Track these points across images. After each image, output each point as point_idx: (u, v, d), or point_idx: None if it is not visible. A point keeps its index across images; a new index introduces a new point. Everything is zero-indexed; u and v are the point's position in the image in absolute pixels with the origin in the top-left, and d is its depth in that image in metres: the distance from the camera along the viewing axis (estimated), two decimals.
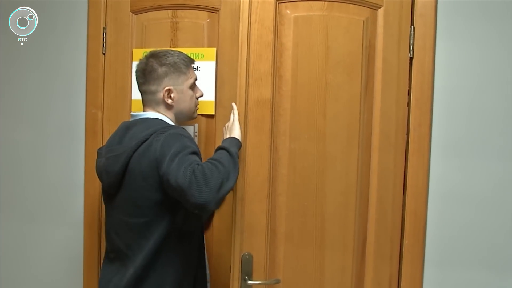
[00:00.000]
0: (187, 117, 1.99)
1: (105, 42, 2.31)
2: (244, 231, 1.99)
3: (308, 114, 2.01)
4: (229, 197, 2.00)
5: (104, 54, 2.31)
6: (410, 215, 1.97)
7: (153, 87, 1.89)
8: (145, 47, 2.24)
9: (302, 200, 2.02)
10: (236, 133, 1.90)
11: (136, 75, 1.94)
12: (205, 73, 2.16)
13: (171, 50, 1.94)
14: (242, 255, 1.99)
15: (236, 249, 1.98)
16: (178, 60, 1.90)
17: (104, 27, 2.31)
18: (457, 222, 1.95)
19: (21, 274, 2.50)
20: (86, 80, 2.34)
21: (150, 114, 1.91)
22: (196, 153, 1.72)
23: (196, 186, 1.57)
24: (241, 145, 1.88)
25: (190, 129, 2.19)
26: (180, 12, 2.22)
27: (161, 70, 1.88)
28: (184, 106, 1.94)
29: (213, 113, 2.17)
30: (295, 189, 2.02)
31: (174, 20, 2.22)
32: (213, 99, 2.16)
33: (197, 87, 2.00)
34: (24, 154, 2.45)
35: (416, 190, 1.97)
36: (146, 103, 1.94)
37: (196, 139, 2.20)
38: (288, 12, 2.02)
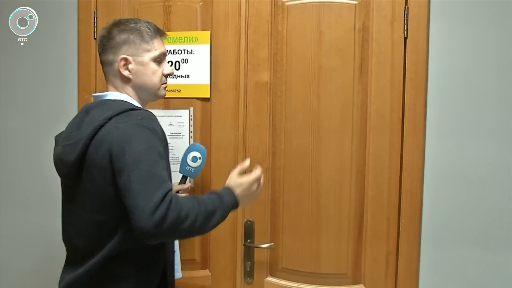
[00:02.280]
0: (150, 94, 1.80)
1: (96, 27, 2.32)
2: None
3: (303, 96, 2.13)
4: (230, 169, 2.01)
5: (95, 38, 2.31)
6: (406, 195, 2.04)
7: (110, 57, 1.73)
8: None
9: (298, 175, 2.16)
10: (242, 192, 1.68)
11: (97, 45, 1.80)
12: (199, 57, 2.20)
13: (139, 18, 1.81)
14: (245, 221, 2.21)
15: (239, 215, 2.20)
16: (142, 28, 1.74)
17: (95, 12, 2.33)
18: (452, 201, 2.01)
19: (15, 261, 2.53)
20: (77, 65, 2.36)
21: (112, 95, 1.74)
22: (160, 155, 1.56)
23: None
24: (236, 206, 1.67)
25: (185, 113, 2.23)
26: None
27: (119, 37, 1.72)
28: (144, 81, 1.75)
29: (208, 97, 2.21)
30: (292, 165, 2.17)
31: (166, 3, 2.25)
32: (208, 82, 2.20)
33: (166, 64, 1.83)
34: (17, 141, 2.48)
35: (412, 169, 2.03)
36: (106, 78, 1.78)
37: (191, 123, 2.24)
38: (283, 1, 2.14)
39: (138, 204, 1.45)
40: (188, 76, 2.23)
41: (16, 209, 2.50)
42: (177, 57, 2.24)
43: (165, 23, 2.24)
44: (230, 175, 1.71)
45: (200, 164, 2.06)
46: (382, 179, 2.06)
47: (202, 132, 2.24)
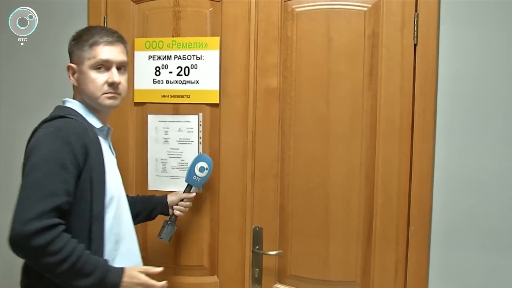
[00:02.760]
0: (94, 103, 1.77)
1: None
2: (255, 205, 2.23)
3: (312, 101, 2.15)
4: (239, 174, 2.22)
5: None
6: (415, 201, 2.04)
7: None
8: (147, 37, 2.30)
9: (307, 181, 2.17)
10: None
11: None
12: (209, 62, 2.23)
13: (95, 26, 1.87)
14: (253, 227, 2.23)
15: (247, 221, 2.24)
16: (88, 36, 1.75)
17: (104, 17, 2.36)
18: (462, 206, 2.01)
19: (15, 261, 2.48)
20: None
21: (67, 101, 1.81)
22: (63, 166, 1.56)
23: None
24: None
25: (194, 118, 2.25)
26: (182, 1, 2.27)
27: (70, 46, 1.81)
28: (84, 89, 1.75)
29: (218, 102, 2.23)
30: (301, 170, 2.19)
31: (176, 9, 2.27)
32: (217, 88, 2.22)
33: (113, 72, 1.76)
34: (24, 143, 2.47)
35: (421, 176, 2.04)
36: None
37: (200, 128, 2.26)
38: (293, 7, 2.16)
39: (17, 210, 1.50)
40: (197, 81, 2.25)
41: None
42: (187, 63, 2.26)
43: (174, 29, 2.27)
44: (136, 266, 1.72)
45: (207, 175, 2.13)
46: (391, 185, 2.07)
47: (211, 137, 2.26)
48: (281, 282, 2.23)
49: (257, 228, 2.21)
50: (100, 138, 1.75)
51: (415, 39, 2.01)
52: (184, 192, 2.15)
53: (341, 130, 2.11)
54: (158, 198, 2.16)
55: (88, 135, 1.67)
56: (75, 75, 1.77)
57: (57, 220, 1.50)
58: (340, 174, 2.12)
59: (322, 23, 2.11)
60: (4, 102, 2.53)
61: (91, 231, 1.64)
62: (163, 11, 2.29)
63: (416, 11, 2.01)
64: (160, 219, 2.15)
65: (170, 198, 2.15)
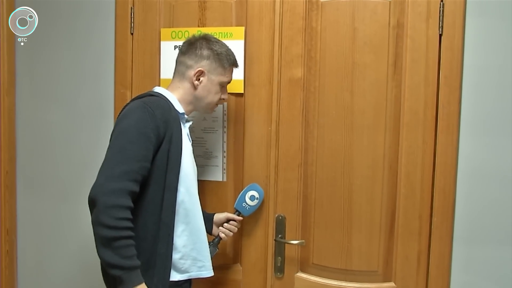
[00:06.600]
0: (203, 108, 2.06)
1: (133, 22, 2.41)
2: (278, 195, 2.28)
3: (336, 92, 2.18)
4: (263, 164, 2.28)
5: (132, 34, 2.42)
6: (439, 192, 2.07)
7: (190, 62, 1.97)
8: (173, 27, 2.35)
9: (331, 171, 2.21)
10: None
11: (182, 45, 2.04)
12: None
13: (224, 44, 2.04)
14: (276, 216, 2.28)
15: (270, 210, 2.29)
16: (225, 53, 2.00)
17: (131, 7, 2.42)
18: (485, 199, 2.03)
19: (54, 252, 2.65)
20: (114, 60, 2.45)
21: (156, 88, 2.01)
22: (146, 135, 1.74)
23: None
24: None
25: (219, 108, 2.30)
26: None
27: (206, 51, 1.97)
28: (206, 96, 2.00)
29: (242, 92, 2.28)
30: (324, 161, 2.22)
31: None
32: (242, 78, 2.26)
33: (226, 90, 2.08)
34: (56, 134, 2.59)
35: (445, 167, 2.06)
36: (175, 74, 2.03)
37: (225, 117, 2.31)
38: None
39: (102, 167, 1.70)
40: None
41: (54, 200, 2.61)
42: None
43: (200, 19, 2.32)
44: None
45: (256, 204, 2.21)
46: (415, 176, 2.09)
47: (236, 127, 2.31)
48: (303, 271, 2.28)
49: (280, 217, 2.26)
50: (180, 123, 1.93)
51: (440, 29, 2.03)
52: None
53: (365, 121, 2.14)
54: (205, 213, 2.11)
55: (171, 113, 1.87)
56: (202, 78, 1.97)
57: (134, 186, 1.69)
58: (364, 165, 2.16)
59: (347, 14, 2.14)
60: (43, 95, 2.62)
61: (164, 199, 1.82)
62: (189, 2, 2.33)
63: (441, 1, 2.03)
64: None
65: (217, 216, 2.22)
